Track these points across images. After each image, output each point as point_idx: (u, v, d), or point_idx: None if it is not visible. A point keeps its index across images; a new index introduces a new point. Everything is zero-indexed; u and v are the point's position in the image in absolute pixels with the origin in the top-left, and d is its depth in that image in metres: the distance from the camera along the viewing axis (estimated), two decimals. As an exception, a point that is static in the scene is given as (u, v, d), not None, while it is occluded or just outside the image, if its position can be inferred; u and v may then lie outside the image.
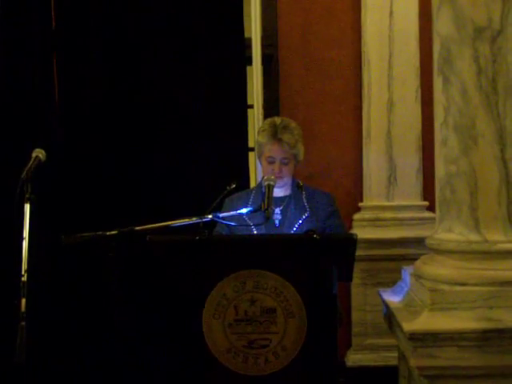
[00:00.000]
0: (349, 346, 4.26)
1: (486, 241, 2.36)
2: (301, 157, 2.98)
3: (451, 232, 2.44)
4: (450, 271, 2.40)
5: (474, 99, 2.36)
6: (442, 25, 2.44)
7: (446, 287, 2.35)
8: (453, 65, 2.40)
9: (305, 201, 2.96)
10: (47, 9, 3.82)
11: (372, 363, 4.18)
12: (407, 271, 2.75)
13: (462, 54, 2.37)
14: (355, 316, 4.23)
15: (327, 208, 2.97)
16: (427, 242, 2.59)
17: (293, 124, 2.95)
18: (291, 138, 2.89)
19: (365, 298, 4.21)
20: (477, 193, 2.37)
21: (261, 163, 3.02)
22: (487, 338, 2.21)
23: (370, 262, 4.15)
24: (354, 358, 4.24)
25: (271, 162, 2.91)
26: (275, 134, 2.89)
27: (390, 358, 3.83)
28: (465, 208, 2.39)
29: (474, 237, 2.38)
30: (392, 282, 3.03)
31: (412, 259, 2.81)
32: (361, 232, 3.90)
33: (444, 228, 2.48)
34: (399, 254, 4.03)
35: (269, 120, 3.03)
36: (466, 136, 2.38)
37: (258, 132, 3.07)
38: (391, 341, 3.02)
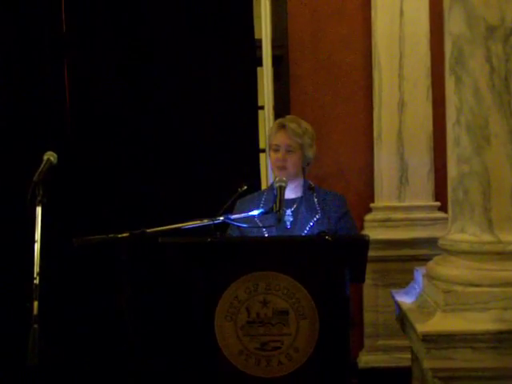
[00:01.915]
0: (361, 347, 4.24)
1: (500, 241, 2.34)
2: (309, 152, 2.94)
3: (464, 233, 2.43)
4: (463, 272, 2.38)
5: (487, 99, 2.34)
6: (454, 24, 2.42)
7: (459, 288, 2.34)
8: (465, 64, 2.39)
9: (316, 202, 2.95)
10: (57, 12, 3.83)
11: (384, 364, 4.16)
12: (419, 272, 2.73)
13: (475, 54, 2.36)
14: (367, 317, 4.21)
15: (339, 210, 2.95)
16: (440, 242, 2.57)
17: (304, 123, 2.95)
18: (297, 127, 2.89)
19: (376, 299, 4.19)
20: (490, 193, 2.36)
21: (270, 158, 3.01)
22: (501, 340, 2.20)
23: (382, 263, 4.13)
24: (366, 359, 4.22)
25: (276, 151, 2.91)
26: (281, 123, 2.93)
27: (402, 360, 3.81)
28: (478, 208, 2.38)
29: (487, 237, 2.36)
30: (404, 283, 3.02)
31: (424, 260, 2.80)
32: (372, 233, 3.90)
33: (457, 229, 2.47)
34: (411, 255, 4.01)
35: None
36: (479, 136, 2.37)
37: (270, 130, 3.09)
38: (404, 342, 3.01)
